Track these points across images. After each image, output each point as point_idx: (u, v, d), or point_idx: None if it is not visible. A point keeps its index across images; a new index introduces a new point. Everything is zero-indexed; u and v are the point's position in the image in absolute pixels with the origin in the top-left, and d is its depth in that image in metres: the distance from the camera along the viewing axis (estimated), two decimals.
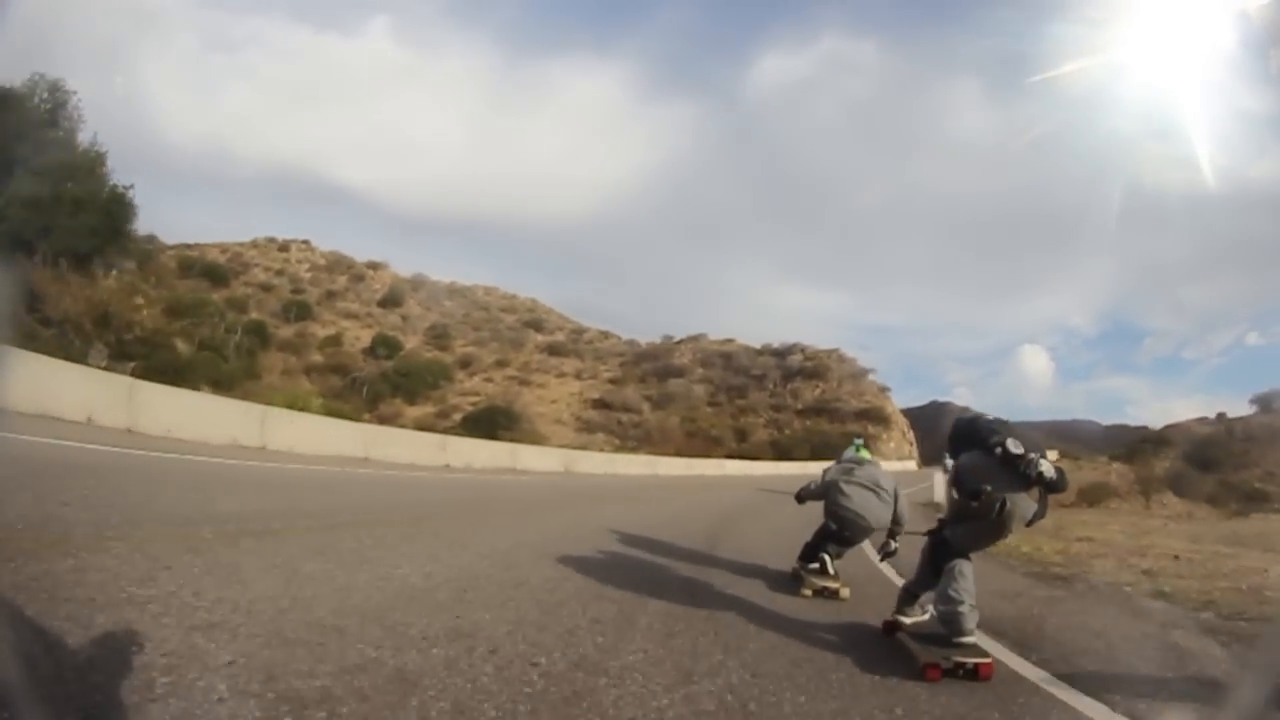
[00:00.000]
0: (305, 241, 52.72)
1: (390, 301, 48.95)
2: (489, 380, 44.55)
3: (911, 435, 48.29)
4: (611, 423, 41.76)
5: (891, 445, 43.83)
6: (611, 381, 44.34)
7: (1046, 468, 2.94)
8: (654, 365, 44.88)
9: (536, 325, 49.46)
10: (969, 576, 3.14)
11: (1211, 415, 42.07)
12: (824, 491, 4.79)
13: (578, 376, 45.23)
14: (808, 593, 4.46)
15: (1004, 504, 3.01)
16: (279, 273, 51.05)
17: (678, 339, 47.37)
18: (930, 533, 3.51)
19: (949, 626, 3.06)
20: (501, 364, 45.39)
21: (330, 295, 49.32)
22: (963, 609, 3.04)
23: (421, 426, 35.65)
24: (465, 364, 45.23)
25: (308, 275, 51.06)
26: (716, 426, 41.21)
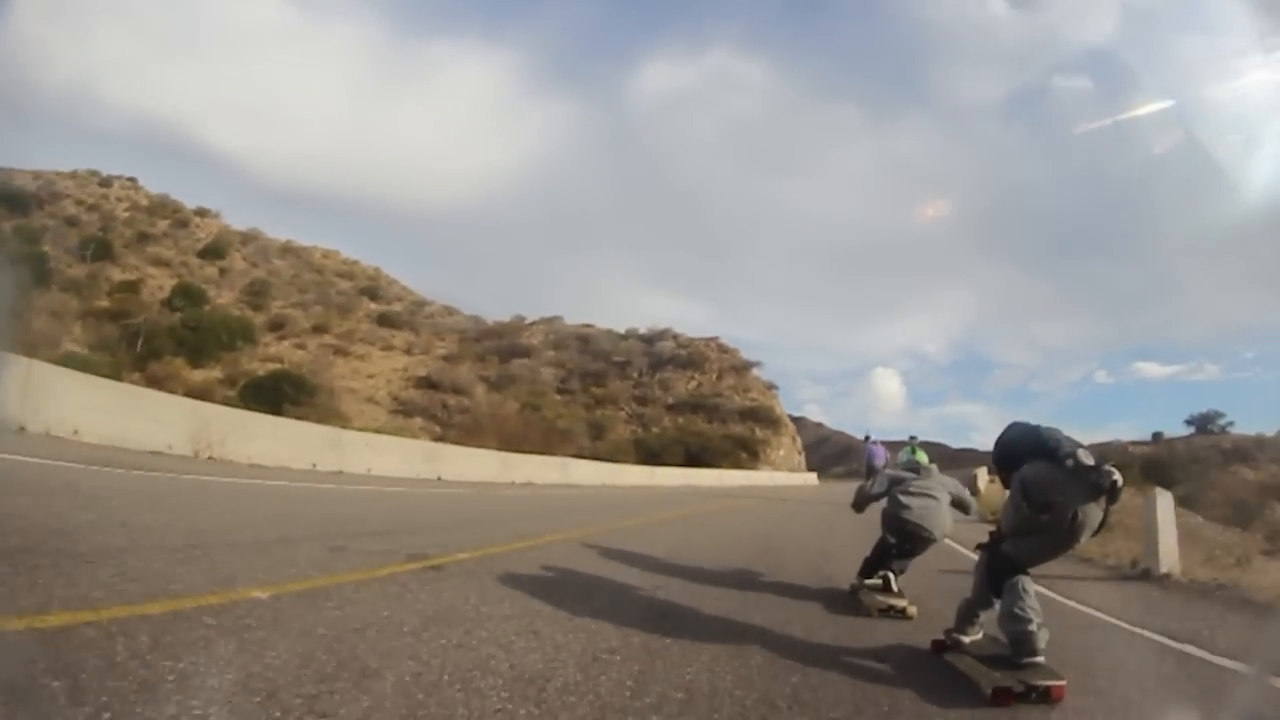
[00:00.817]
0: (131, 179, 45.38)
1: (212, 252, 41.29)
2: (300, 346, 36.71)
3: (800, 443, 40.69)
4: (435, 405, 33.99)
5: (781, 453, 36.27)
6: (446, 359, 36.60)
7: (1119, 477, 2.92)
8: (498, 344, 37.34)
9: (373, 294, 41.89)
10: (1033, 593, 3.01)
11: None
12: (881, 499, 4.53)
13: (408, 351, 37.56)
14: (875, 613, 4.02)
15: (1076, 514, 2.96)
16: (92, 208, 43.46)
17: (531, 320, 39.74)
18: (982, 547, 3.37)
19: (1018, 646, 2.87)
20: (320, 330, 37.64)
21: (143, 238, 41.68)
22: (1032, 627, 2.87)
23: (195, 393, 27.83)
24: (277, 326, 37.34)
25: (125, 215, 43.45)
26: (565, 417, 33.49)
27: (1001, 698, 2.59)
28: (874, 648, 3.29)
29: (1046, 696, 2.62)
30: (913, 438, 5.15)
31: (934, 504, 4.31)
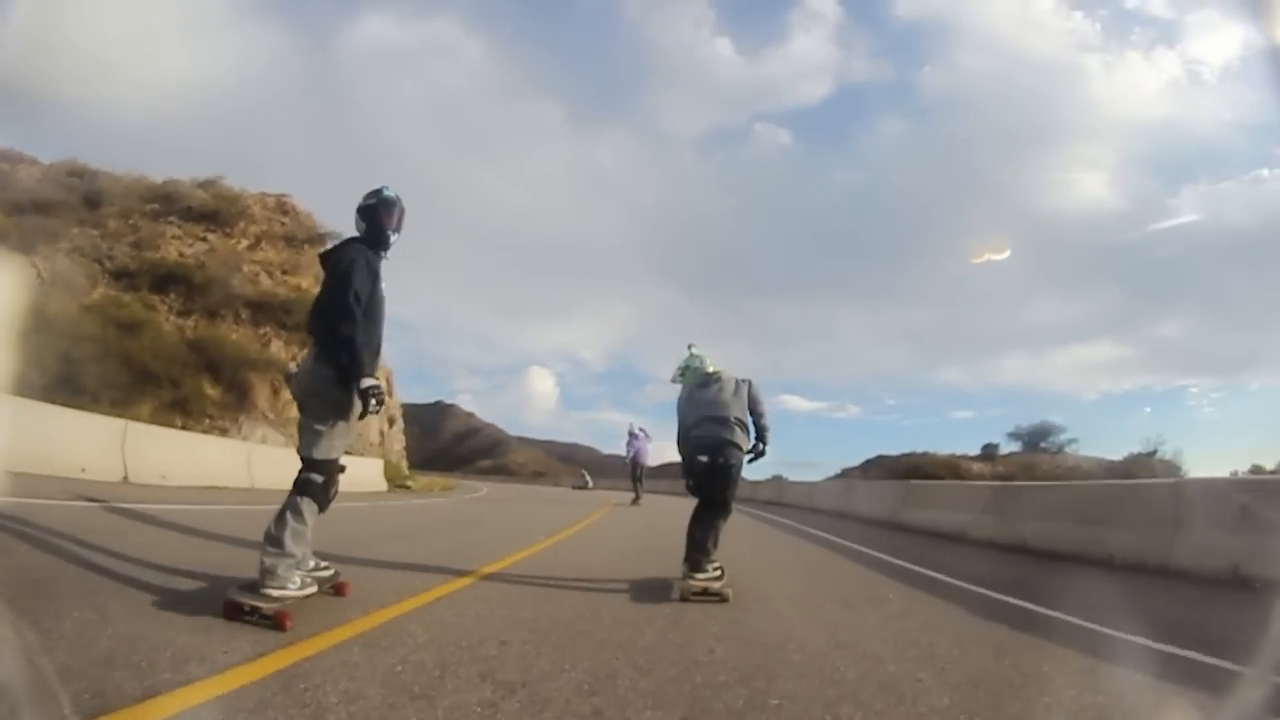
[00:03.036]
0: None
1: None
2: None
3: (399, 402, 22.20)
4: None
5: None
6: None
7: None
8: None
9: None
10: (309, 524, 2.88)
11: None
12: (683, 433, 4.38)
13: None
14: (688, 596, 3.83)
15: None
16: None
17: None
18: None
19: (264, 575, 2.73)
20: None
21: None
22: (283, 567, 2.77)
23: None
24: None
25: None
26: None
27: (230, 611, 2.64)
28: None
29: (271, 621, 2.64)
30: (691, 345, 4.50)
31: (729, 423, 4.21)
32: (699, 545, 4.03)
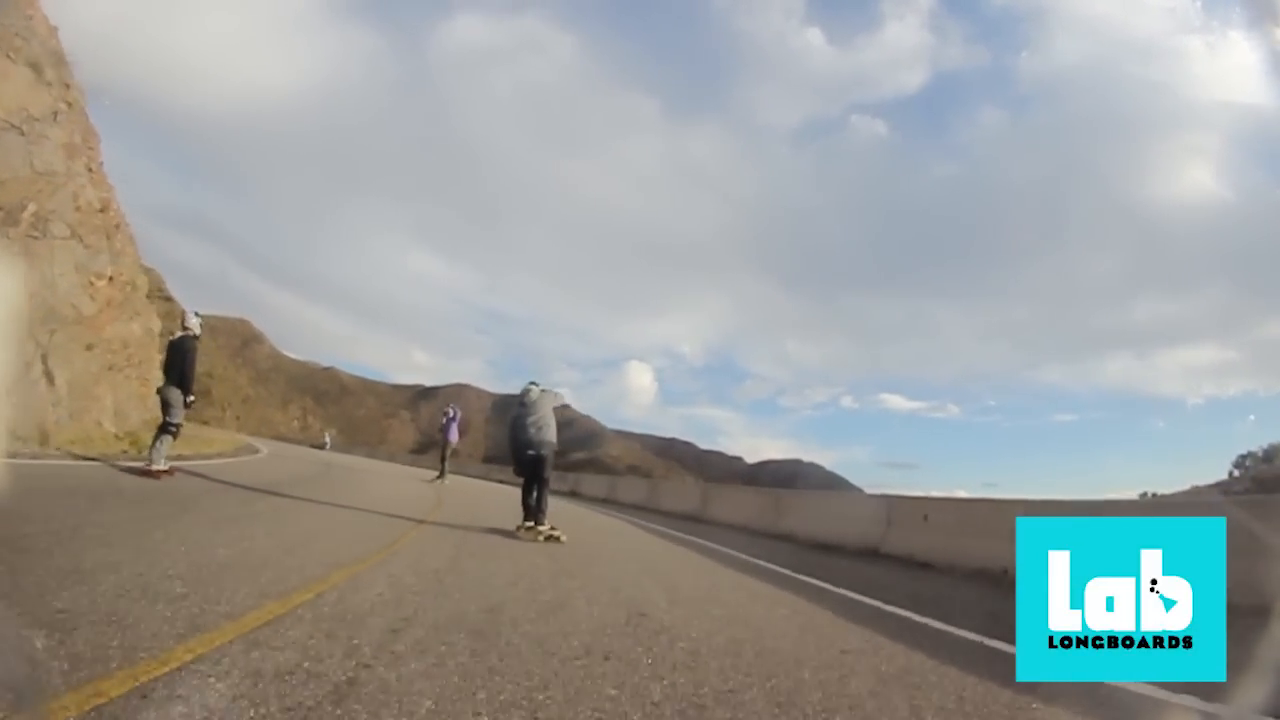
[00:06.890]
0: None
1: None
2: None
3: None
4: None
5: None
6: None
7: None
8: None
9: None
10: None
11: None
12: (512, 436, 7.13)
13: None
14: (540, 539, 6.35)
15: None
16: None
17: None
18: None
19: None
20: None
21: None
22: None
23: None
24: None
25: None
26: None
27: (140, 474, 6.98)
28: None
29: (153, 476, 6.90)
30: (533, 381, 7.30)
31: (541, 427, 6.89)
32: (538, 507, 6.66)
